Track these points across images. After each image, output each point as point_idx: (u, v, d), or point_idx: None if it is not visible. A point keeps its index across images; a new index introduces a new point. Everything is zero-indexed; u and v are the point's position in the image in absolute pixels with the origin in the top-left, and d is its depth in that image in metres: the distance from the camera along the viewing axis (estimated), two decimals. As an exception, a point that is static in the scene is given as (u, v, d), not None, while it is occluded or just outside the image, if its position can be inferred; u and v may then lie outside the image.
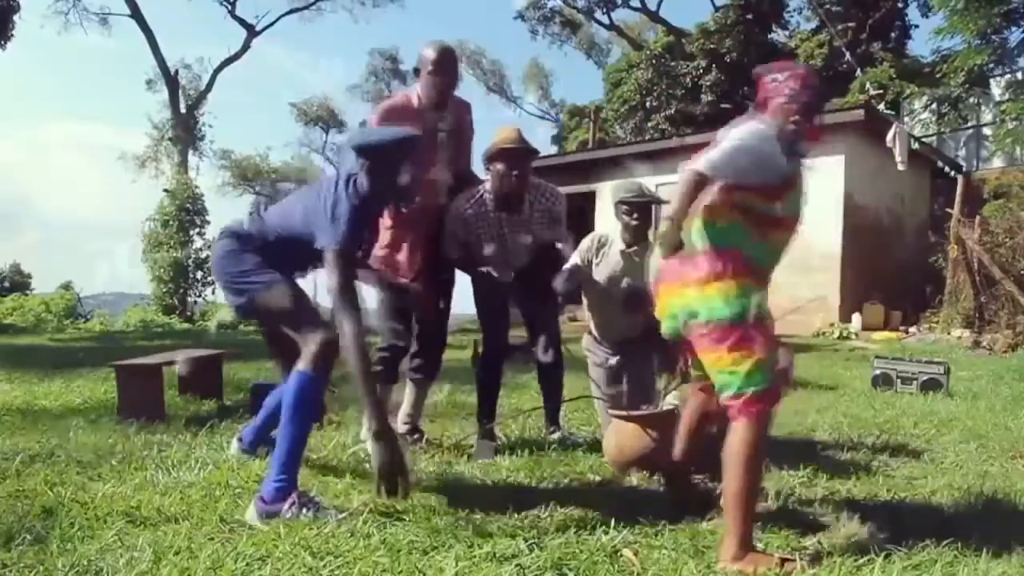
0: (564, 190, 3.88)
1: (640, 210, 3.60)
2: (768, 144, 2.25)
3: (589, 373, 3.81)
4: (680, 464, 2.70)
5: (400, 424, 3.63)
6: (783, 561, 2.07)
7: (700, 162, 2.21)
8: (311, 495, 2.45)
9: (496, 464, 3.19)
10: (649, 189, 3.71)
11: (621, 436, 3.14)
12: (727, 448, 2.16)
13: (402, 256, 3.45)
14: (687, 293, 2.29)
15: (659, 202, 3.59)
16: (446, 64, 3.41)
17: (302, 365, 2.46)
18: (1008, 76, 14.34)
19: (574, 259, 3.61)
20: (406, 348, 3.54)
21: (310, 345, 2.47)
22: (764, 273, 2.33)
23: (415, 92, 3.48)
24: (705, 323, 2.23)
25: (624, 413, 3.23)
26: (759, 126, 2.29)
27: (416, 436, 3.58)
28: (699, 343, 2.27)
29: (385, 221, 3.41)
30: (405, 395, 3.64)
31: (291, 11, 29.14)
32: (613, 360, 3.72)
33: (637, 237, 3.61)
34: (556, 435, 3.62)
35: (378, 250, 3.42)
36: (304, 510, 2.32)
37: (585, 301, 3.78)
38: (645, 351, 3.56)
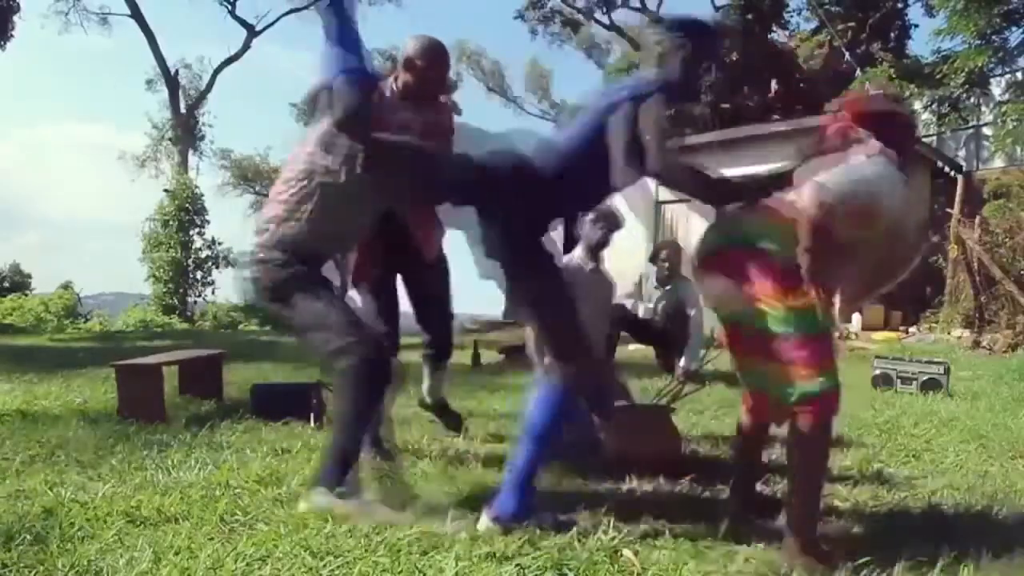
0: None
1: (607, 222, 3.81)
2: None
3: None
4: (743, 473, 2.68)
5: (427, 397, 3.83)
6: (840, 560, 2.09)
7: None
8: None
9: (496, 465, 3.19)
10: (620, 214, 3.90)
11: (621, 435, 3.15)
12: (792, 451, 2.18)
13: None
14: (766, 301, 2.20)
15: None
16: (438, 56, 3.14)
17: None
18: (1008, 76, 14.34)
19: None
20: (393, 349, 3.33)
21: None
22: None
23: (388, 84, 3.21)
24: (784, 334, 2.18)
25: (624, 412, 3.24)
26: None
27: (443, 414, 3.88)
28: (770, 350, 2.21)
29: None
30: (423, 374, 3.79)
31: (291, 11, 29.09)
32: None
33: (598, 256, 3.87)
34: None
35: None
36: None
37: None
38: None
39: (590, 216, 3.79)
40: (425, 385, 3.82)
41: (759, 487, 2.80)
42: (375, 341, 2.54)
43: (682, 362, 5.41)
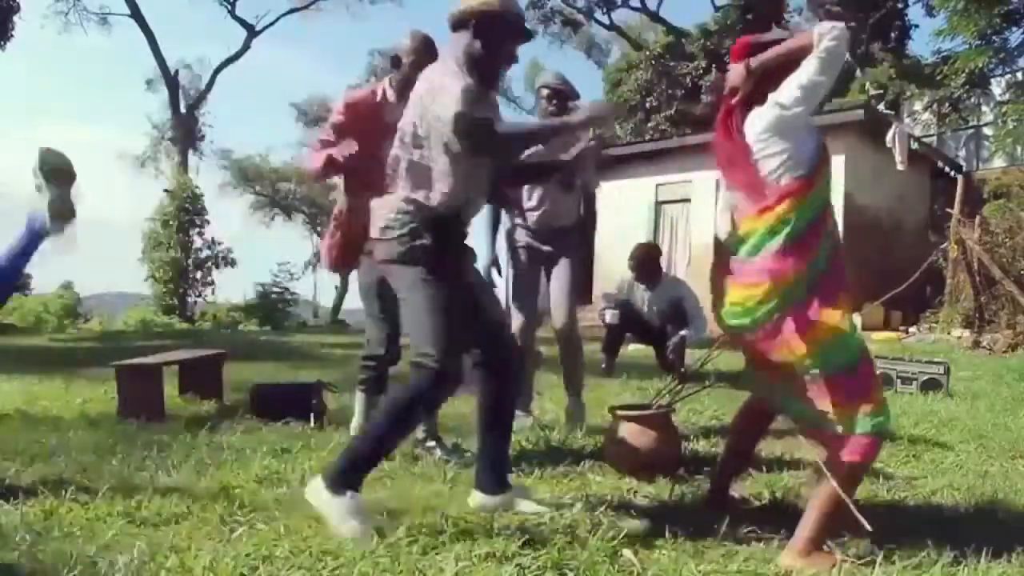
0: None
1: (559, 98, 3.79)
2: None
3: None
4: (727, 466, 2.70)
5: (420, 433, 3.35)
6: (843, 562, 2.09)
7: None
8: None
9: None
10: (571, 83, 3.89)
11: (620, 436, 3.15)
12: (829, 462, 2.15)
13: (327, 247, 3.29)
14: (800, 344, 2.16)
15: (578, 96, 3.86)
16: (425, 51, 3.14)
17: None
18: (1008, 76, 14.34)
19: None
20: (391, 358, 3.23)
21: None
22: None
23: (383, 85, 3.27)
24: (828, 374, 2.15)
25: (624, 413, 3.23)
26: None
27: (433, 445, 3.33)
28: (819, 390, 2.17)
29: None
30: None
31: (291, 11, 29.09)
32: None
33: None
34: None
35: (328, 237, 3.35)
36: None
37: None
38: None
39: (544, 93, 3.82)
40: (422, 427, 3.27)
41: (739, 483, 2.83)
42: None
43: (686, 331, 5.56)
